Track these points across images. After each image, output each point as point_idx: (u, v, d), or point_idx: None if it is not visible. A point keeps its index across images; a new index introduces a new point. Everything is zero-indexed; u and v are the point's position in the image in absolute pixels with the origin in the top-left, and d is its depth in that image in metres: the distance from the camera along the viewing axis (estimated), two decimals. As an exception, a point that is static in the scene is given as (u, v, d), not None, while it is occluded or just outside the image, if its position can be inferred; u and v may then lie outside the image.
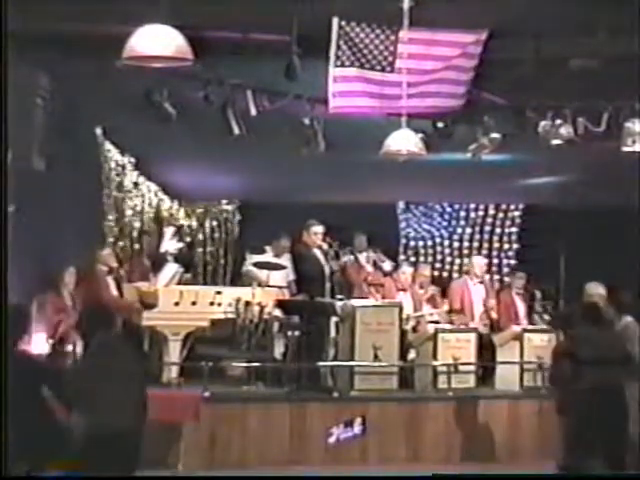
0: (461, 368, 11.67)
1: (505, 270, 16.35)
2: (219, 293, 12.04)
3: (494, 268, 16.41)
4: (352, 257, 13.11)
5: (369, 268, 13.43)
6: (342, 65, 10.52)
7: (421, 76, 10.73)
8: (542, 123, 11.11)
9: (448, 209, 16.73)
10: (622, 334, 9.86)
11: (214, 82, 10.49)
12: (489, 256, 16.49)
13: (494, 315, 13.16)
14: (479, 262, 13.82)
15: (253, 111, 10.69)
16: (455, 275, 15.97)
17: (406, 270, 13.42)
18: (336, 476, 10.01)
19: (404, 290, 13.02)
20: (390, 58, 10.59)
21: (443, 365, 11.65)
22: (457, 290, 13.43)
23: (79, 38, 9.75)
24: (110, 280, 12.03)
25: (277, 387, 11.32)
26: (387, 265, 13.37)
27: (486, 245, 16.66)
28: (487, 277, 14.23)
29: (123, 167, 14.00)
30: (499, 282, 15.51)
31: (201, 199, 16.09)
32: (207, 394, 10.57)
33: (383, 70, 10.66)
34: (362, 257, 13.62)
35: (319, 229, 11.86)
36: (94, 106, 11.13)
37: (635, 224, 13.69)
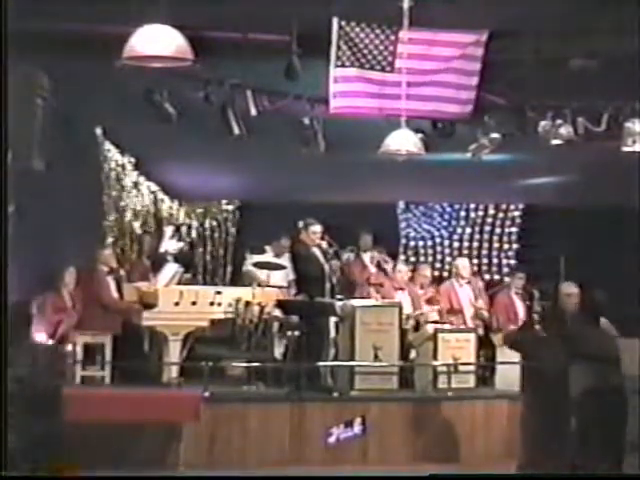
0: (461, 368, 11.67)
1: (505, 270, 16.34)
2: (219, 293, 12.05)
3: (494, 268, 16.42)
4: (352, 255, 13.11)
5: (372, 269, 13.45)
6: (342, 65, 10.52)
7: (421, 76, 10.72)
8: (542, 123, 11.10)
9: (448, 209, 16.72)
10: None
11: (214, 82, 10.49)
12: (489, 256, 16.50)
13: (485, 315, 13.15)
14: (463, 264, 13.77)
15: (253, 111, 10.69)
16: (448, 276, 15.98)
17: (402, 269, 13.45)
18: (336, 476, 10.01)
19: (401, 289, 13.02)
20: (390, 58, 10.59)
21: (443, 365, 11.65)
22: (444, 292, 13.43)
23: (79, 38, 9.75)
24: (110, 280, 12.04)
25: (277, 387, 11.32)
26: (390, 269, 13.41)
27: (486, 245, 16.64)
28: (486, 277, 14.23)
29: (123, 167, 14.01)
30: (499, 282, 15.50)
31: (201, 199, 16.09)
32: (207, 394, 10.56)
33: (383, 70, 10.66)
34: (366, 257, 13.65)
35: (317, 228, 11.85)
36: (94, 106, 11.12)
37: (635, 224, 13.68)
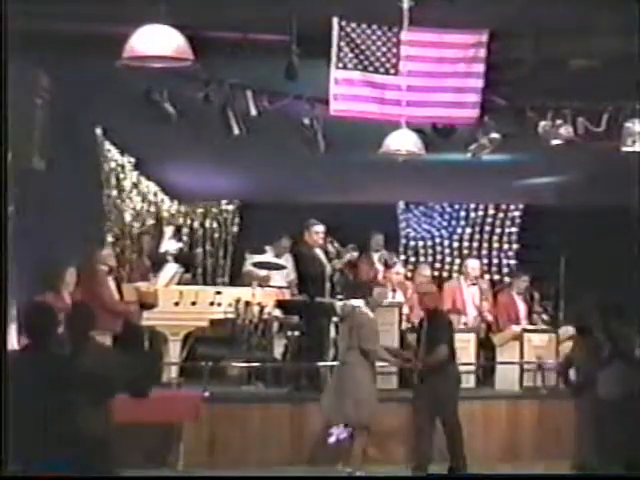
0: (461, 368, 11.66)
1: (505, 270, 16.36)
2: (219, 293, 12.06)
3: (494, 268, 16.42)
4: (355, 254, 13.12)
5: (379, 266, 13.48)
6: (344, 67, 10.47)
7: (426, 80, 10.65)
8: (542, 123, 11.09)
9: (448, 209, 16.74)
10: None
11: (214, 82, 10.48)
12: (489, 256, 16.51)
13: (489, 317, 13.15)
14: (473, 265, 13.83)
15: (253, 111, 10.68)
16: (455, 275, 15.98)
17: (399, 270, 13.48)
18: (336, 476, 10.01)
19: (394, 290, 13.02)
20: (394, 60, 10.52)
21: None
22: (449, 291, 13.43)
23: (79, 38, 9.74)
24: (110, 280, 12.03)
25: (277, 387, 11.33)
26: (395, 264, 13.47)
27: (486, 245, 16.66)
28: (486, 278, 14.24)
29: (123, 167, 14.00)
30: (499, 282, 15.51)
31: (201, 199, 16.10)
32: (207, 394, 10.57)
33: (387, 73, 10.58)
34: (375, 256, 13.67)
35: (320, 228, 11.87)
36: (94, 106, 11.12)
37: (635, 224, 13.68)
